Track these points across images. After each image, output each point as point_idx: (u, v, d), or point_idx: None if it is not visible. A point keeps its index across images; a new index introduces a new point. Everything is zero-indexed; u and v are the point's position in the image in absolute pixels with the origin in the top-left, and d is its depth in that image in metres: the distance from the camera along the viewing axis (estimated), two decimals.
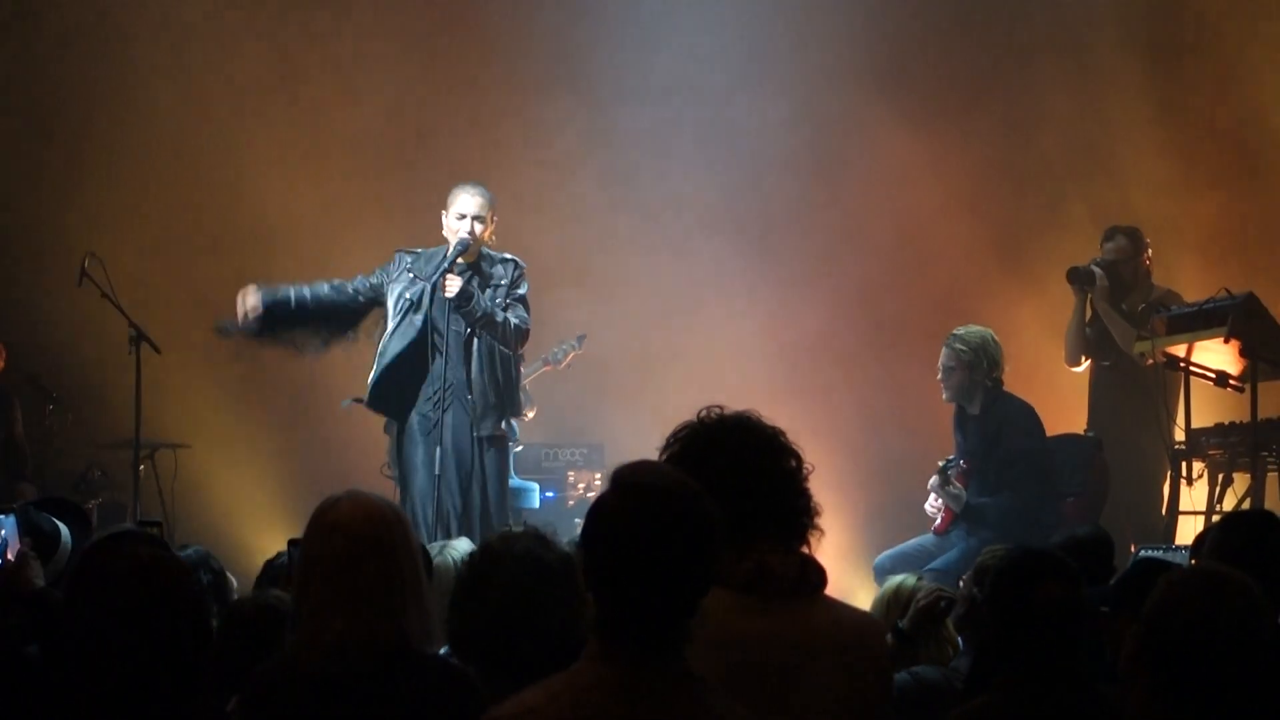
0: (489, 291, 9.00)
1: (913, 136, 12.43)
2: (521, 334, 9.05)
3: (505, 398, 9.04)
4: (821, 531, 3.88)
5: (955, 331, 9.37)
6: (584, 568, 3.24)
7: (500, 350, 8.99)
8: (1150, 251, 10.57)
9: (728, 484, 3.66)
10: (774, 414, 3.92)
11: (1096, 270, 10.31)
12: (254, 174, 12.58)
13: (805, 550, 3.86)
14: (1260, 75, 11.97)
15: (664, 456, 3.81)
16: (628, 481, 3.23)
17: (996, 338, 9.37)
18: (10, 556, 5.81)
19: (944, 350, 9.36)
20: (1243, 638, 3.55)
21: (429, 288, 8.91)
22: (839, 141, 12.49)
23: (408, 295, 8.99)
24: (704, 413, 3.87)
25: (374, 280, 9.16)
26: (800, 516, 3.85)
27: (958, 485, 9.15)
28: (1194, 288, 10.55)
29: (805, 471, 3.88)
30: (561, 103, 12.60)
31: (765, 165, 12.61)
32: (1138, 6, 12.44)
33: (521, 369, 9.40)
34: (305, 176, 12.62)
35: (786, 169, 12.58)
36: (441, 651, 4.58)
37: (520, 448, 9.24)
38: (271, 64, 12.63)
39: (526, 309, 9.11)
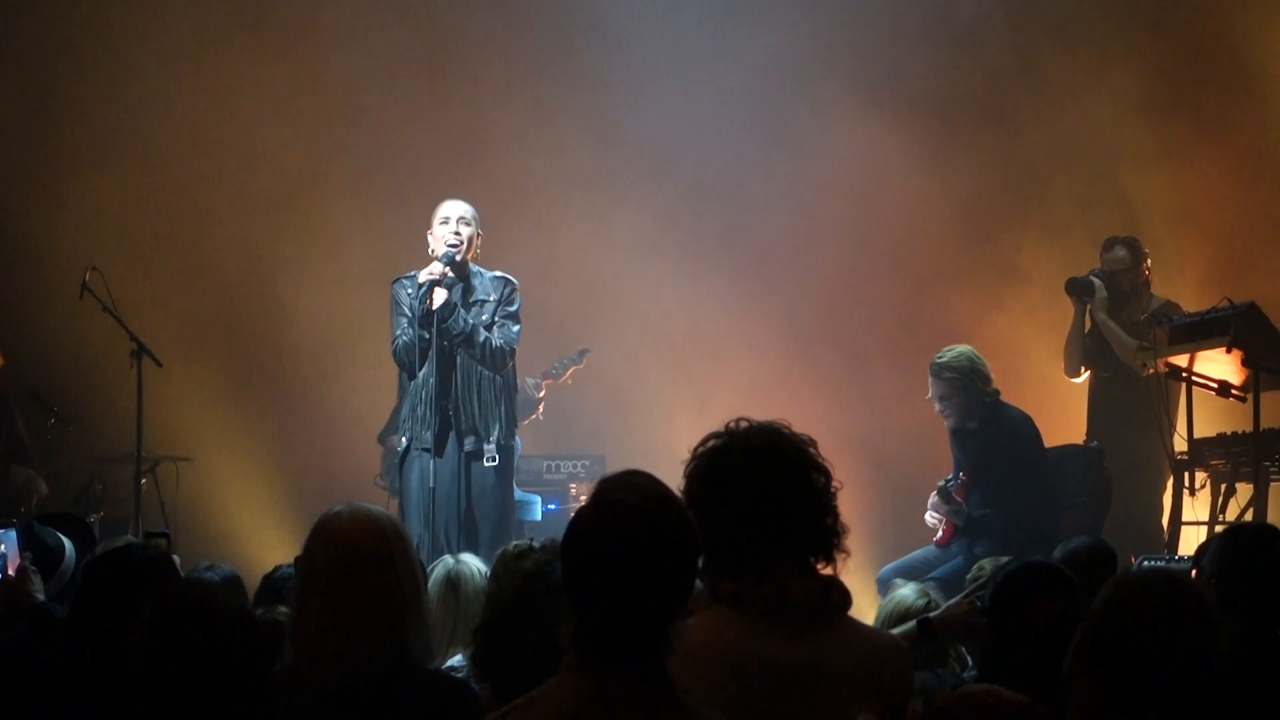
0: (475, 309, 8.98)
1: (905, 141, 12.43)
2: (503, 354, 8.98)
3: (492, 414, 9.01)
4: (847, 552, 3.74)
5: (937, 360, 9.22)
6: (562, 581, 3.23)
7: (473, 386, 8.96)
8: (1149, 262, 10.57)
9: (751, 504, 3.58)
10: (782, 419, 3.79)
11: (1095, 281, 10.32)
12: (258, 187, 12.60)
13: (830, 570, 3.74)
14: (1268, 77, 11.94)
15: (687, 470, 3.70)
16: (605, 497, 3.21)
17: (976, 351, 9.30)
18: (11, 571, 5.81)
19: (933, 381, 9.22)
20: (1187, 641, 3.54)
21: (417, 300, 8.89)
22: (837, 149, 12.46)
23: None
24: (731, 424, 3.75)
25: (403, 320, 9.07)
26: (826, 537, 3.72)
27: (958, 500, 9.13)
28: (1190, 294, 10.58)
29: (834, 488, 3.75)
30: (543, 112, 12.61)
31: (769, 186, 12.60)
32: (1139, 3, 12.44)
33: (517, 384, 9.35)
34: (308, 191, 12.63)
35: (789, 186, 12.57)
36: (451, 663, 4.57)
37: (500, 460, 9.21)
38: (278, 79, 12.64)
39: (517, 323, 9.08)
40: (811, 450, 3.74)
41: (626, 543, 3.13)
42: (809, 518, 3.70)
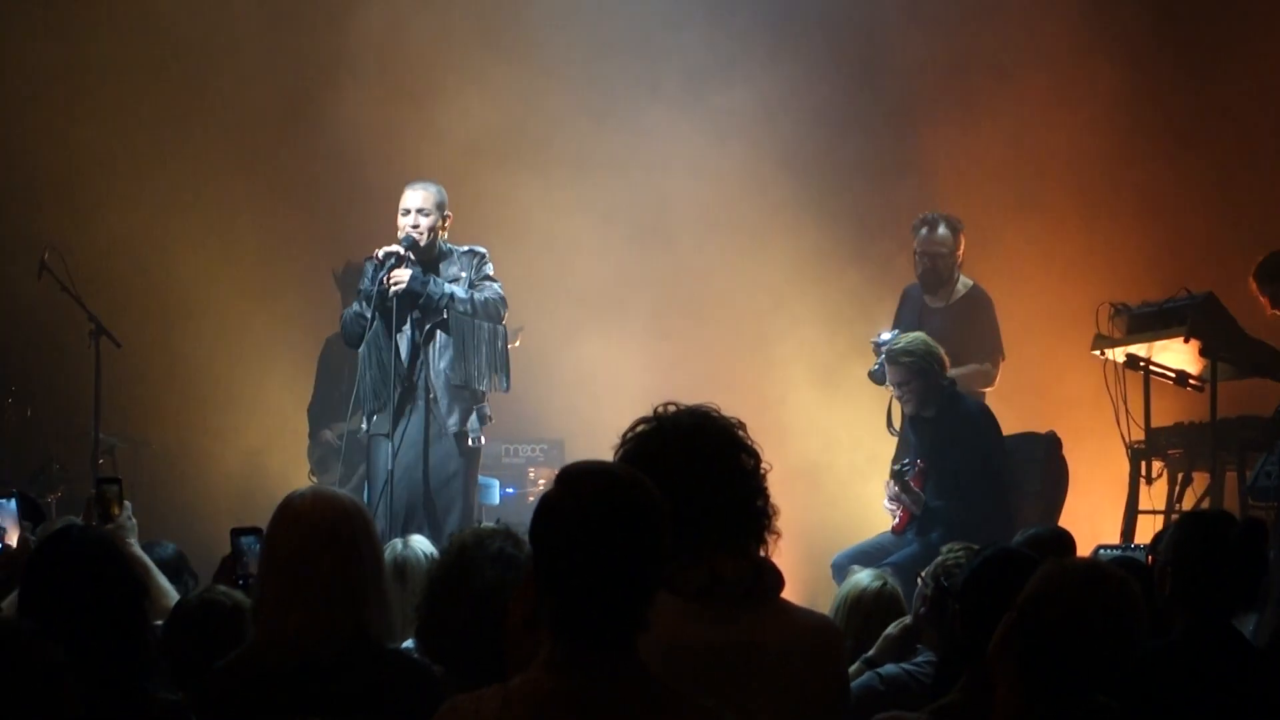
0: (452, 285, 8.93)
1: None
2: (495, 304, 8.91)
3: (474, 387, 8.96)
4: (778, 533, 3.77)
5: (893, 347, 9.23)
6: (534, 565, 3.20)
7: (471, 340, 8.89)
8: (963, 248, 10.48)
9: (681, 487, 3.55)
10: (733, 405, 3.81)
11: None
12: (217, 170, 12.55)
13: (762, 552, 3.75)
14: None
15: (617, 455, 3.72)
16: (571, 473, 3.21)
17: (930, 339, 9.32)
18: (11, 541, 5.73)
19: (890, 368, 9.23)
20: (1114, 633, 3.57)
21: (375, 290, 8.81)
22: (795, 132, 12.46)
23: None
24: (660, 409, 3.76)
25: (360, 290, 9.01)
26: (757, 518, 3.74)
27: (916, 489, 9.15)
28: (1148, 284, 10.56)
29: (763, 470, 3.77)
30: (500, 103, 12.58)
31: (718, 159, 12.55)
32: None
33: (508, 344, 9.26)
34: (268, 176, 12.59)
35: (740, 161, 12.52)
36: (406, 645, 4.58)
37: (483, 443, 9.20)
38: (240, 64, 12.60)
39: (495, 281, 8.99)
40: (740, 433, 3.76)
41: (600, 510, 3.12)
42: (739, 499, 3.72)
